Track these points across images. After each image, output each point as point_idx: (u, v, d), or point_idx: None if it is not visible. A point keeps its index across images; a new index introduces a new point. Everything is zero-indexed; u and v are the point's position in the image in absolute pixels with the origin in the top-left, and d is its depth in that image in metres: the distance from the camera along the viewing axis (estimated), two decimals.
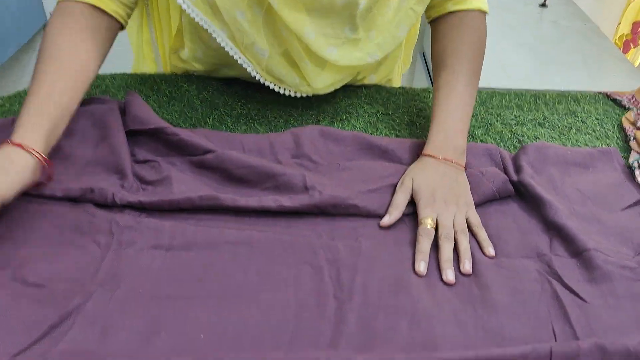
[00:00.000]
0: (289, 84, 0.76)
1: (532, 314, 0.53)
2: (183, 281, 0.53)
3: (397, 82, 0.96)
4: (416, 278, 0.56)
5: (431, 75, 1.74)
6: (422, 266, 0.57)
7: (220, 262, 0.55)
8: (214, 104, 0.80)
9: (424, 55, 1.91)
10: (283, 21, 0.68)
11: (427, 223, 0.61)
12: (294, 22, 0.68)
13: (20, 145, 0.55)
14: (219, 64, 0.84)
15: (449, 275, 0.56)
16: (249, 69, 0.74)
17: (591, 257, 0.57)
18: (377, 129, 0.79)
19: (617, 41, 1.56)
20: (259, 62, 0.73)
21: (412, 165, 0.69)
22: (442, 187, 0.65)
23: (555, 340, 0.50)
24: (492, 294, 0.54)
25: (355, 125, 0.79)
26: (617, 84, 1.17)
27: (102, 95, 0.79)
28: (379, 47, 0.76)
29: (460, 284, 0.56)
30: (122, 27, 0.72)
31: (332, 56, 0.73)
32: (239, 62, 0.74)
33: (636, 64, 1.48)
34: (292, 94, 0.78)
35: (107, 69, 0.81)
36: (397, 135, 0.78)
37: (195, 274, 0.54)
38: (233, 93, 0.83)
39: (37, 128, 0.58)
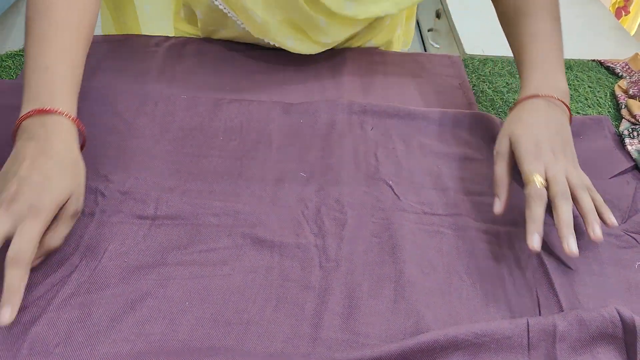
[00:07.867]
0: (284, 45, 0.75)
1: (516, 281, 0.53)
2: (167, 249, 0.53)
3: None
4: (402, 247, 0.54)
5: (422, 41, 1.69)
6: (535, 240, 0.48)
7: (205, 230, 0.55)
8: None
9: (417, 22, 1.89)
10: None
11: (537, 180, 0.50)
12: None
13: (67, 115, 0.51)
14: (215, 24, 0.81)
15: (572, 245, 0.47)
16: (242, 26, 0.73)
17: (578, 225, 0.57)
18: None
19: (610, 9, 1.54)
20: (253, 23, 0.71)
21: (507, 119, 0.60)
22: (548, 134, 0.55)
23: (539, 306, 0.51)
24: (478, 262, 0.55)
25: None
26: (611, 52, 1.16)
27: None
28: (396, 3, 0.72)
29: (447, 253, 0.55)
30: None
31: (350, 11, 0.70)
32: (229, 16, 0.72)
33: (632, 33, 1.47)
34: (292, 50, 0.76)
35: (98, 30, 0.79)
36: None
37: (180, 242, 0.53)
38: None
39: (70, 93, 0.52)
